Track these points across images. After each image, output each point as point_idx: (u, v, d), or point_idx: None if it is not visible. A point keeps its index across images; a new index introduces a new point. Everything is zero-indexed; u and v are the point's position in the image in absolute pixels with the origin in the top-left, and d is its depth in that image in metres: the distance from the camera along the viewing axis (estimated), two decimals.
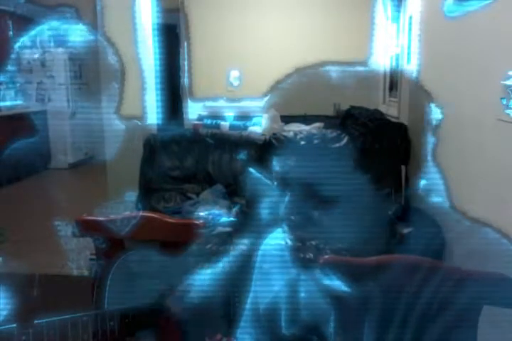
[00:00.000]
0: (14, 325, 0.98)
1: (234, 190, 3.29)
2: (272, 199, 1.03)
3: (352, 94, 3.97)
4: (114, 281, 1.19)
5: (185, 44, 5.51)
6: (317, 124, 4.02)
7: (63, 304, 1.06)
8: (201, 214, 2.89)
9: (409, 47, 3.17)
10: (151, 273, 1.19)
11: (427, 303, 0.90)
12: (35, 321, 0.99)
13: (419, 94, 2.63)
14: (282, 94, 4.14)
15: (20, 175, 5.48)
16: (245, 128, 4.44)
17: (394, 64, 3.82)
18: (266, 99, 4.41)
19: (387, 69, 4.11)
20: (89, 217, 1.35)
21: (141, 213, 1.38)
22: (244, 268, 1.13)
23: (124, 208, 2.65)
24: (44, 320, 0.99)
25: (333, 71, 3.97)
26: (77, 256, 2.16)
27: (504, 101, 1.43)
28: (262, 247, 1.08)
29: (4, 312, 1.16)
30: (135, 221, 1.30)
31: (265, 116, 4.35)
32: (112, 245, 1.30)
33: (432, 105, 2.21)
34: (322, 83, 3.78)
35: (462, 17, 1.86)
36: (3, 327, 0.98)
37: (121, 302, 1.14)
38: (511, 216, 1.45)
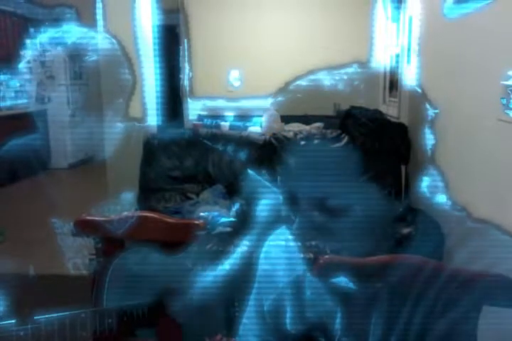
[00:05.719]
0: (13, 321, 0.97)
1: (234, 190, 3.29)
2: (269, 200, 1.03)
3: (352, 94, 3.96)
4: (113, 280, 1.19)
5: (186, 44, 5.51)
6: (317, 124, 4.02)
7: (62, 303, 1.06)
8: (201, 214, 2.89)
9: (409, 47, 3.17)
10: (151, 272, 1.19)
11: (427, 303, 0.90)
12: (34, 317, 0.99)
13: (419, 94, 2.63)
14: (285, 95, 4.15)
15: (19, 175, 5.48)
16: (245, 128, 4.44)
17: (394, 64, 3.81)
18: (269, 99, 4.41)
19: (387, 69, 4.10)
20: (89, 217, 1.35)
21: (141, 213, 1.38)
22: (244, 268, 1.13)
23: (123, 208, 2.65)
24: (43, 317, 0.99)
25: (333, 72, 3.97)
26: (77, 256, 2.16)
27: (504, 101, 1.44)
28: (266, 245, 1.08)
29: (4, 310, 1.16)
30: (135, 221, 1.30)
31: (265, 115, 4.35)
32: (111, 245, 1.30)
33: (432, 105, 2.21)
34: (323, 85, 3.78)
35: (462, 17, 1.86)
36: (1, 323, 0.97)
37: (119, 300, 1.14)
38: (511, 215, 1.45)
